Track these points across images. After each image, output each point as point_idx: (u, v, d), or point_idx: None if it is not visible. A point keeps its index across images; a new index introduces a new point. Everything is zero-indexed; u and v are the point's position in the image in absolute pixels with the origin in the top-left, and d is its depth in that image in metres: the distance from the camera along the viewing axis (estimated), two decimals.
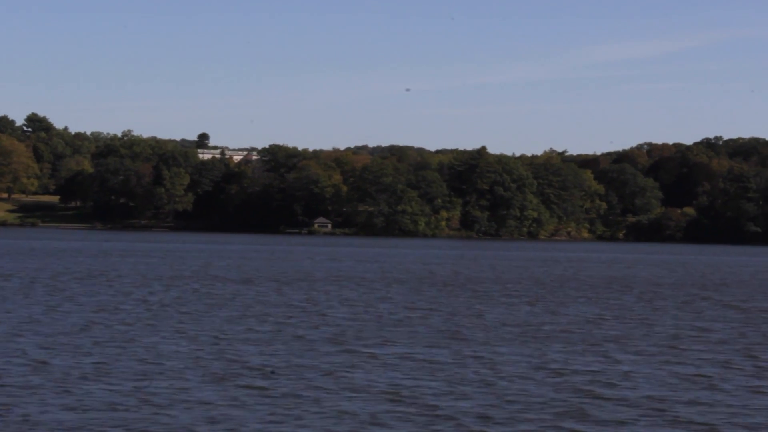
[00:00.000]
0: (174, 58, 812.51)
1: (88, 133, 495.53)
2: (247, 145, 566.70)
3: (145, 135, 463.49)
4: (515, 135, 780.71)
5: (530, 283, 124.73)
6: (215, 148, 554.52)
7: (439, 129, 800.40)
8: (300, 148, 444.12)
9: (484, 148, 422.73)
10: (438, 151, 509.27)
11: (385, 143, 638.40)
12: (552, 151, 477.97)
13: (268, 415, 40.56)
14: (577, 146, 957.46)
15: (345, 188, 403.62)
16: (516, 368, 52.94)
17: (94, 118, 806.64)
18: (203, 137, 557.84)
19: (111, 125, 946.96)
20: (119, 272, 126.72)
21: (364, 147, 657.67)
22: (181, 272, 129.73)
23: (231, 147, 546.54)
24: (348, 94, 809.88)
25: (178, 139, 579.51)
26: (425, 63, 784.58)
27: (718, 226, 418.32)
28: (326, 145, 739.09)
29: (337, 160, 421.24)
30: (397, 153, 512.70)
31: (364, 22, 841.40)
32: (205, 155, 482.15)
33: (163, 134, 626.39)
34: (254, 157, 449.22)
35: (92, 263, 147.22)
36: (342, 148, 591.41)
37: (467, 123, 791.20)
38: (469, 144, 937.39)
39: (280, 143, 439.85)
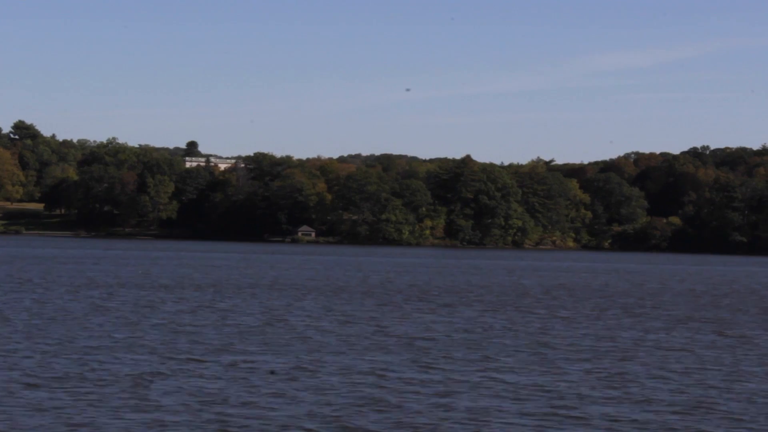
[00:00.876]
0: (166, 66, 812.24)
1: (75, 140, 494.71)
2: (240, 154, 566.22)
3: (136, 143, 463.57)
4: (512, 144, 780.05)
5: (414, 290, 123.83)
6: (205, 156, 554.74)
7: (432, 138, 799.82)
8: (295, 157, 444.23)
9: (468, 157, 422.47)
10: (429, 160, 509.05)
11: (378, 152, 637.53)
12: (539, 159, 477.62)
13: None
14: (572, 156, 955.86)
15: (329, 196, 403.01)
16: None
17: (83, 126, 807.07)
18: (192, 145, 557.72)
19: (100, 133, 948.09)
20: (27, 277, 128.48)
21: (358, 156, 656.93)
22: (98, 279, 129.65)
23: (223, 155, 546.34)
24: (343, 102, 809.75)
25: (170, 147, 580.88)
26: (420, 72, 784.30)
27: (703, 236, 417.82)
28: (321, 154, 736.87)
29: (321, 168, 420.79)
30: (385, 161, 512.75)
31: (360, 30, 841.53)
32: (193, 164, 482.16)
33: (154, 142, 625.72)
34: (240, 165, 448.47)
35: (8, 269, 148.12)
36: (336, 156, 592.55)
37: (460, 132, 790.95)
38: (462, 153, 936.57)
39: (274, 152, 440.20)
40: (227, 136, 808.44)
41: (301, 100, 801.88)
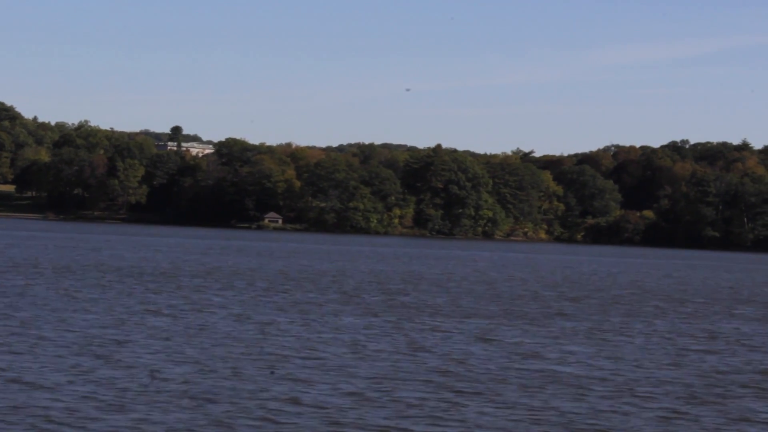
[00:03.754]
0: (156, 51, 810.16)
1: (53, 123, 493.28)
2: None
3: (125, 128, 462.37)
4: (508, 136, 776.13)
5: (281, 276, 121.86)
6: (189, 141, 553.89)
7: (433, 129, 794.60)
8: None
9: (439, 146, 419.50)
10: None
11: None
12: (519, 150, 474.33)
13: None
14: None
15: (298, 183, 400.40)
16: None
17: (67, 109, 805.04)
18: (176, 130, 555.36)
19: (82, 116, 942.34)
20: None
21: (357, 144, 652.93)
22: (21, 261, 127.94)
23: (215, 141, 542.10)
24: (346, 91, 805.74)
25: (160, 131, 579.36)
26: (420, 64, 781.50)
27: (676, 230, 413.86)
28: (317, 143, 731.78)
29: (292, 155, 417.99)
30: (365, 150, 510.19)
31: (362, 19, 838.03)
32: (176, 148, 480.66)
33: (140, 126, 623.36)
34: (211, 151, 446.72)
35: None
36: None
37: (461, 123, 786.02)
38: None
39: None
40: (221, 123, 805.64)
41: (297, 89, 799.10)
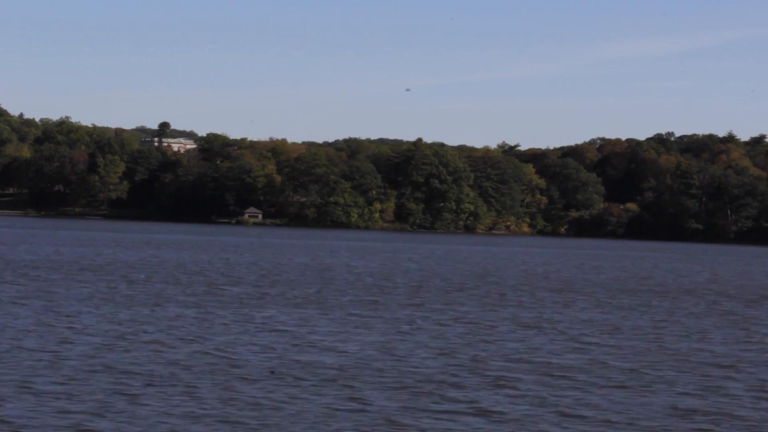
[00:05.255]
0: (156, 48, 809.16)
1: (38, 119, 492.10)
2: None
3: (123, 126, 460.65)
4: (497, 131, 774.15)
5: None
6: (177, 137, 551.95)
7: (432, 124, 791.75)
8: (301, 142, 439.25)
9: (420, 140, 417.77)
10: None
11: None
12: (504, 144, 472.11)
13: None
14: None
15: (279, 178, 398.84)
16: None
17: (54, 106, 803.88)
18: (164, 126, 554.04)
19: (72, 113, 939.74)
20: None
21: (354, 140, 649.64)
22: None
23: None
24: (345, 88, 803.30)
25: (150, 127, 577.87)
26: (420, 59, 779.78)
27: (660, 223, 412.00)
28: (314, 139, 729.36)
29: (273, 150, 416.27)
30: (352, 145, 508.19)
31: (358, 13, 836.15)
32: (164, 144, 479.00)
33: (132, 123, 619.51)
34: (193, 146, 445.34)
35: None
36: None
37: (462, 118, 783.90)
38: (445, 138, 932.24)
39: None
40: (239, 122, 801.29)
41: (297, 84, 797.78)
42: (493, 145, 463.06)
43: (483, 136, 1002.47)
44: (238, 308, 75.04)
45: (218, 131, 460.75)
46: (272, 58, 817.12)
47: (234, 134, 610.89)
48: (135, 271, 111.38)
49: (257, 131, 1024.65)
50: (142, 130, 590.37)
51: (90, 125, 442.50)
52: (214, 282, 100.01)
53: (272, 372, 47.11)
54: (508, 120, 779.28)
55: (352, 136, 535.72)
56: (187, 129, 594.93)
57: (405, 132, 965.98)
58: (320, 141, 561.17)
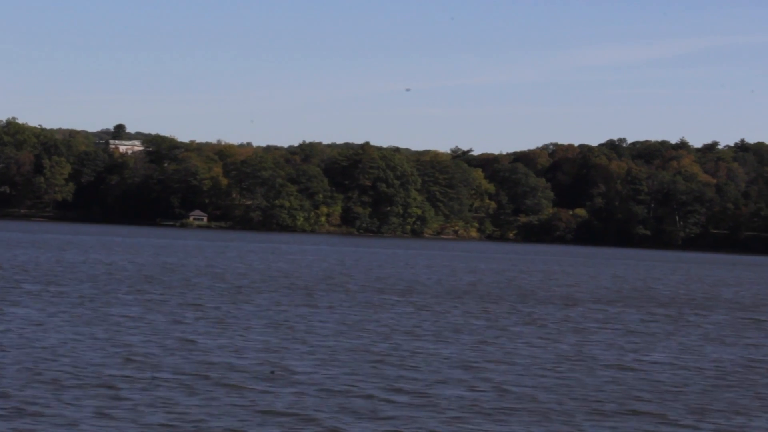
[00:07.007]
0: (148, 49, 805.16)
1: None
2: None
3: (87, 128, 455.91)
4: (454, 136, 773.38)
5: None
6: (133, 139, 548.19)
7: (414, 129, 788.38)
8: (295, 144, 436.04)
9: (367, 143, 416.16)
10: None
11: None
12: (457, 149, 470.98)
13: None
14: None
15: (225, 181, 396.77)
16: None
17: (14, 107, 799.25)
18: (119, 128, 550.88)
19: (15, 113, 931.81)
20: None
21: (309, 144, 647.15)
22: None
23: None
24: (326, 90, 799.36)
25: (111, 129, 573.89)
26: (409, 63, 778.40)
27: (608, 229, 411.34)
28: (291, 143, 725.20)
29: (220, 152, 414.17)
30: (307, 149, 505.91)
31: (348, 15, 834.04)
32: (122, 147, 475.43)
33: (98, 126, 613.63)
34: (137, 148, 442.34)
35: None
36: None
37: (439, 123, 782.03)
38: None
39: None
40: (236, 124, 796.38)
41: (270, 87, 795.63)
42: (446, 150, 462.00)
43: (446, 141, 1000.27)
44: None
45: (178, 134, 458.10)
46: (235, 61, 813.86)
47: (191, 137, 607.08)
48: None
49: (261, 135, 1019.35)
50: (106, 133, 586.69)
51: (37, 126, 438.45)
52: None
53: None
54: (467, 125, 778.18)
55: (307, 140, 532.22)
56: (145, 132, 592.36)
57: (368, 136, 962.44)
58: (286, 145, 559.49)
